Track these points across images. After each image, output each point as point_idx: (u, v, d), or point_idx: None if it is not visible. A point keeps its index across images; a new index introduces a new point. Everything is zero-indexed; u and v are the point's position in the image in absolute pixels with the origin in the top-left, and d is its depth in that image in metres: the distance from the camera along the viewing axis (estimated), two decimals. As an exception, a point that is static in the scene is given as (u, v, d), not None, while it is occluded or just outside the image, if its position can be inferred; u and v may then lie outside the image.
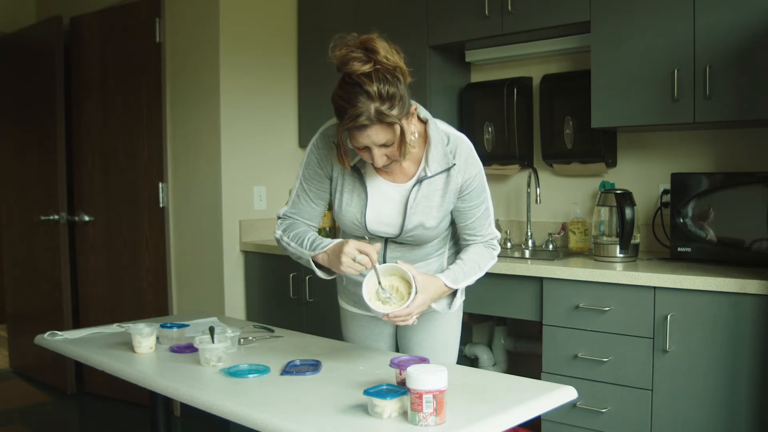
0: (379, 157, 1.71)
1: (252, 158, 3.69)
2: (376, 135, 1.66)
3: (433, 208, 1.87)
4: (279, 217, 1.97)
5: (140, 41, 3.83)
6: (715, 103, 2.46)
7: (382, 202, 1.88)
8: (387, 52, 1.63)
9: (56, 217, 4.11)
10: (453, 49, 3.33)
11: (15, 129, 4.60)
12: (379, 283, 1.72)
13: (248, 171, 3.68)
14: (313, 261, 1.82)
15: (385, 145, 1.69)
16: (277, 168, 3.81)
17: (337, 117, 1.68)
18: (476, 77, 3.49)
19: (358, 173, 1.86)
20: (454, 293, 1.91)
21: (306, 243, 1.85)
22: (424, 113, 1.86)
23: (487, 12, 2.97)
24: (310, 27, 3.76)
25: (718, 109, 2.46)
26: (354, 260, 1.70)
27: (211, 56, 3.57)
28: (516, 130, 3.19)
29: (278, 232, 1.94)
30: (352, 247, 1.70)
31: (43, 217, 4.17)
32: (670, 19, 2.54)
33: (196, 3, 3.64)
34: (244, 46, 3.63)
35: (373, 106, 1.61)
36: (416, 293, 1.71)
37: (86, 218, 4.11)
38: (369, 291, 1.73)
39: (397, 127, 1.66)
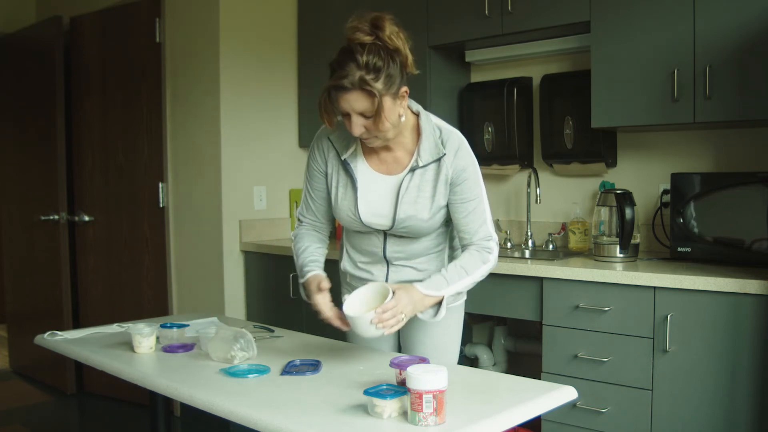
0: (357, 125, 1.77)
1: (252, 158, 3.69)
2: (355, 101, 1.73)
3: (425, 198, 1.89)
4: (298, 219, 2.11)
5: (140, 41, 3.83)
6: (715, 103, 2.46)
7: (374, 193, 1.92)
8: (392, 34, 1.75)
9: (56, 217, 4.11)
10: (453, 49, 3.32)
11: (15, 129, 4.60)
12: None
13: (248, 171, 3.68)
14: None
15: (363, 116, 1.75)
16: (277, 168, 3.81)
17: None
18: (476, 77, 3.49)
19: (350, 167, 1.93)
20: (440, 303, 1.87)
21: (299, 263, 1.99)
22: (416, 106, 1.93)
23: (487, 12, 2.97)
24: (310, 27, 3.76)
25: (718, 109, 2.46)
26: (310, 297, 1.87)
27: (211, 56, 3.56)
28: (516, 130, 3.19)
29: (293, 237, 2.08)
30: (314, 284, 1.86)
31: (43, 217, 4.17)
32: (670, 19, 2.54)
33: (196, 3, 3.64)
34: (244, 46, 3.63)
35: (358, 73, 1.70)
36: (392, 293, 1.72)
37: (86, 218, 4.11)
38: (352, 307, 1.76)
39: (377, 100, 1.72)
